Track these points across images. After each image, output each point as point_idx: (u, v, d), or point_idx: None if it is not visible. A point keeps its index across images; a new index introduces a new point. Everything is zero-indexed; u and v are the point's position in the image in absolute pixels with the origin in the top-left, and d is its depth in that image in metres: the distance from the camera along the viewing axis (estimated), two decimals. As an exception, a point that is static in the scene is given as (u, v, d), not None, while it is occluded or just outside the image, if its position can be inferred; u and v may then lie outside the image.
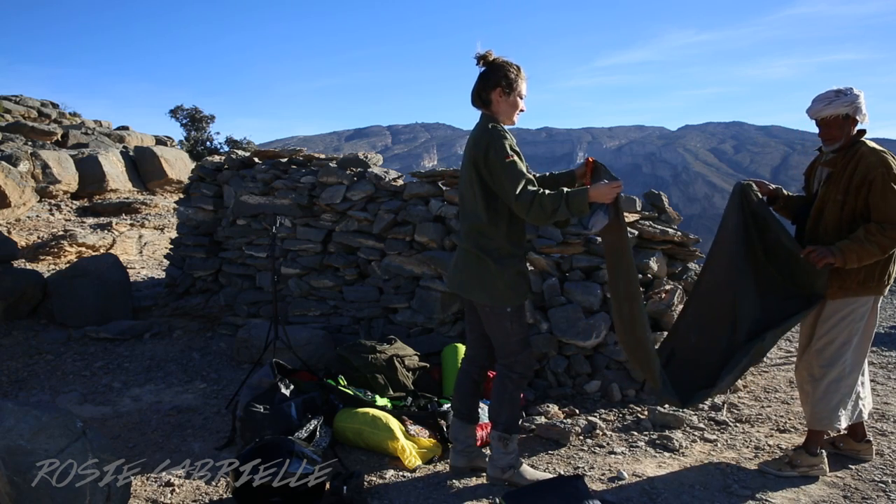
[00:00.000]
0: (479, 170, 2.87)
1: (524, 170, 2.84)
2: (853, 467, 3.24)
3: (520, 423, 3.17)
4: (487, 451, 3.26)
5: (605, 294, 4.38)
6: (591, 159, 3.08)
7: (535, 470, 3.15)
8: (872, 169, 2.94)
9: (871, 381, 4.67)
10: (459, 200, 3.09)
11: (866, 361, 3.23)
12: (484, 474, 3.16)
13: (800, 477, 3.13)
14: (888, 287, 3.14)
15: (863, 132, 3.11)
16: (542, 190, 2.77)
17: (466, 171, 2.95)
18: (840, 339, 3.11)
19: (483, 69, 2.96)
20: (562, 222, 3.08)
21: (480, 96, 2.97)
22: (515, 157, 2.82)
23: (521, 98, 2.98)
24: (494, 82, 2.91)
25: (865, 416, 3.29)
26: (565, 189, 2.80)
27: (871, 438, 3.42)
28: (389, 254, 5.05)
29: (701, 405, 4.09)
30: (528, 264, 3.12)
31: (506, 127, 2.96)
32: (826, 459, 3.18)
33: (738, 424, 3.83)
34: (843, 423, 3.16)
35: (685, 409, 3.79)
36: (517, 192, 2.75)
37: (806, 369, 3.21)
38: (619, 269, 2.97)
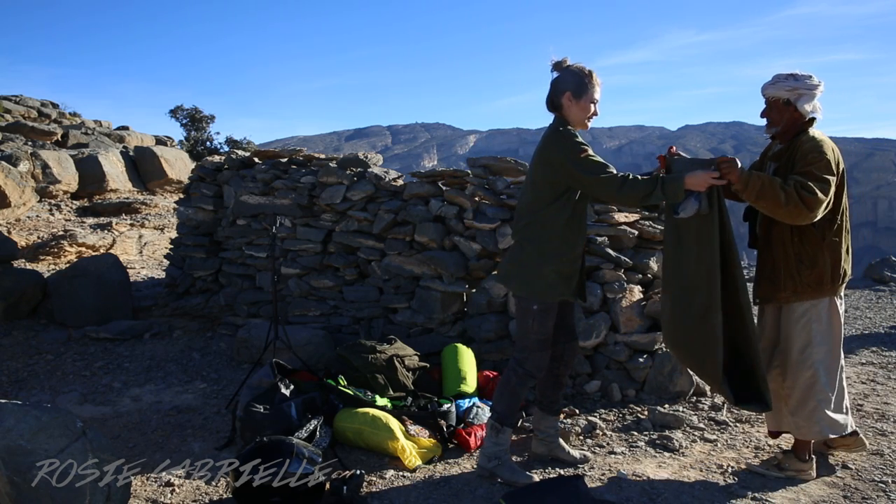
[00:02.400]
0: (549, 168, 2.94)
1: (597, 159, 2.89)
2: (853, 467, 3.24)
3: (519, 421, 3.20)
4: (563, 444, 3.35)
5: (604, 294, 4.38)
6: (664, 156, 3.08)
7: (520, 469, 3.16)
8: (806, 152, 2.86)
9: (871, 380, 4.67)
10: (520, 199, 3.18)
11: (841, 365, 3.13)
12: (563, 465, 3.28)
13: (800, 477, 3.13)
14: (844, 285, 3.07)
15: (810, 122, 2.97)
16: (631, 174, 2.85)
17: (534, 169, 3.03)
18: (799, 343, 3.04)
19: (556, 74, 3.02)
20: (651, 206, 3.12)
21: (552, 101, 3.03)
22: (587, 150, 2.89)
23: (594, 103, 3.02)
24: (564, 87, 2.98)
25: (850, 428, 3.18)
26: (661, 175, 2.90)
27: (862, 434, 3.39)
28: (389, 254, 5.05)
29: (701, 405, 4.09)
30: (579, 270, 3.12)
31: (578, 131, 3.01)
32: (815, 465, 3.14)
33: (738, 424, 3.83)
34: (849, 428, 3.09)
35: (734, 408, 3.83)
36: (605, 176, 2.83)
37: (775, 379, 3.15)
38: (705, 256, 2.91)
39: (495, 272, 4.39)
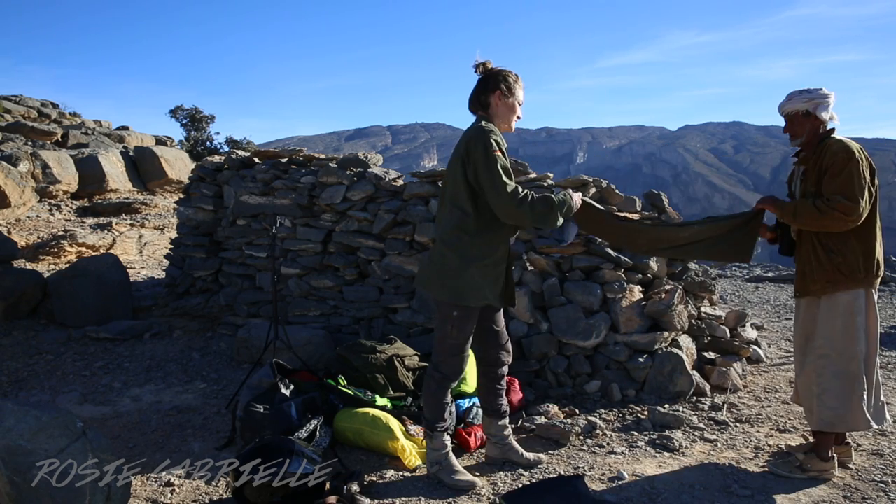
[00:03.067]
0: (468, 165, 2.89)
1: (505, 167, 2.85)
2: (853, 467, 3.24)
3: (449, 425, 3.18)
4: (516, 446, 3.34)
5: (604, 294, 4.38)
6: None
7: (462, 471, 3.12)
8: (833, 154, 2.99)
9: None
10: (440, 196, 3.11)
11: (877, 363, 3.17)
12: (520, 468, 3.27)
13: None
14: (879, 278, 3.11)
15: (832, 131, 3.13)
16: (530, 192, 2.84)
17: (453, 167, 2.98)
18: (837, 335, 3.07)
19: (481, 76, 3.03)
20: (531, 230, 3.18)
21: (479, 99, 3.02)
22: (499, 154, 2.85)
23: (519, 104, 3.06)
24: (494, 86, 2.99)
25: (889, 419, 3.24)
26: (552, 194, 2.92)
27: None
28: (389, 254, 5.06)
29: (701, 405, 4.09)
30: (512, 273, 3.15)
31: (502, 133, 3.00)
32: (836, 464, 3.16)
33: (738, 424, 3.84)
34: (871, 425, 3.09)
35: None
36: (508, 190, 2.79)
37: (808, 373, 3.18)
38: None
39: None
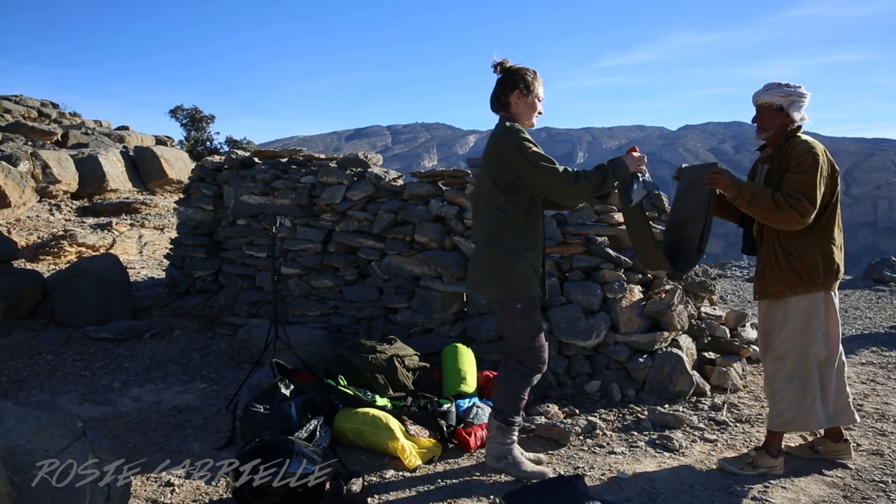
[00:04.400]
0: (500, 166, 2.94)
1: (544, 154, 2.91)
2: (853, 467, 3.24)
3: (520, 418, 3.19)
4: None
5: (604, 294, 4.38)
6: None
7: (530, 462, 3.16)
8: (800, 154, 2.97)
9: (871, 380, 4.67)
10: (475, 200, 3.17)
11: (845, 364, 3.19)
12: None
13: (800, 477, 3.13)
14: (838, 281, 3.11)
15: (798, 129, 3.11)
16: (574, 169, 2.90)
17: (486, 168, 3.02)
18: (795, 337, 3.09)
19: (500, 76, 3.05)
20: (602, 196, 3.18)
21: (499, 100, 3.05)
22: (534, 146, 2.90)
23: (539, 100, 3.08)
24: (513, 85, 3.01)
25: (857, 418, 3.25)
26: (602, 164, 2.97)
27: (862, 434, 3.41)
28: (389, 254, 5.05)
29: (701, 405, 4.09)
30: (542, 264, 3.15)
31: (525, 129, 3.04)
32: (783, 461, 3.19)
33: (738, 424, 3.83)
34: (822, 424, 3.12)
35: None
36: (560, 172, 2.85)
37: (766, 374, 3.24)
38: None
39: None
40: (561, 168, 2.87)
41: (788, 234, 3.05)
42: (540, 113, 3.10)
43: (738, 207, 3.11)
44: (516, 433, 3.17)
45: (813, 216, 2.93)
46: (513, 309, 3.01)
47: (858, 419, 3.39)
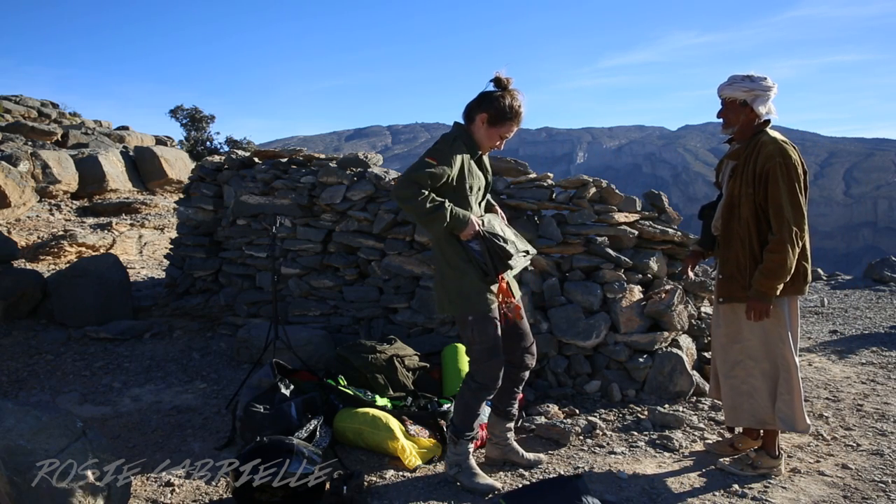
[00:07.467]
0: None
1: (431, 173, 2.79)
2: (853, 467, 3.24)
3: (472, 433, 3.14)
4: (517, 447, 3.32)
5: (604, 294, 4.38)
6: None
7: (482, 474, 3.09)
8: (769, 159, 2.90)
9: (871, 380, 4.68)
10: None
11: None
12: (520, 468, 3.27)
13: (800, 477, 3.13)
14: (807, 286, 3.08)
15: (766, 123, 3.04)
16: (431, 194, 2.78)
17: None
18: (764, 340, 3.09)
19: (485, 90, 2.96)
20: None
21: (469, 111, 2.98)
22: (433, 162, 2.79)
23: (502, 138, 2.99)
24: (487, 107, 2.92)
25: (809, 424, 3.22)
26: (446, 203, 2.81)
27: (862, 433, 3.40)
28: (389, 254, 5.06)
29: (701, 405, 4.09)
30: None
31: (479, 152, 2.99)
32: (783, 462, 3.19)
33: (738, 424, 3.83)
34: (799, 425, 3.11)
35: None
36: (408, 175, 2.77)
37: (737, 375, 3.20)
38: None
39: None
40: (417, 181, 2.76)
41: (759, 239, 3.01)
42: (498, 147, 3.01)
43: (777, 288, 2.96)
44: (470, 446, 3.12)
45: (803, 227, 2.92)
46: (465, 321, 2.96)
47: (812, 428, 3.38)
